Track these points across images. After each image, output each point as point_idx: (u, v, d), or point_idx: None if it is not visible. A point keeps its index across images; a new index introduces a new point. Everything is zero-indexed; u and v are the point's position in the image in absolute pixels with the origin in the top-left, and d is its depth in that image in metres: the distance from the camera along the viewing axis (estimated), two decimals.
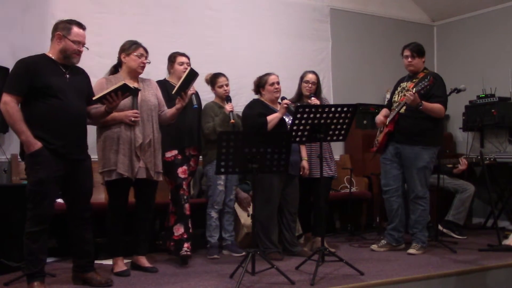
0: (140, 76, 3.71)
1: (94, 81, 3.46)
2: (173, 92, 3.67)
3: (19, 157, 3.15)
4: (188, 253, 3.87)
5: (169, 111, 3.74)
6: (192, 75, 3.61)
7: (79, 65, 3.31)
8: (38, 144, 3.01)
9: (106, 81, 3.55)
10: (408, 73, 4.47)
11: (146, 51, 3.66)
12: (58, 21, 3.21)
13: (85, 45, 3.23)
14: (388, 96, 4.80)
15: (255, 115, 4.18)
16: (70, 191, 3.24)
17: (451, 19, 6.81)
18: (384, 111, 4.57)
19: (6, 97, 3.02)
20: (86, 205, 3.30)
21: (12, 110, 3.00)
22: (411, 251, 4.23)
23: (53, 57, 3.17)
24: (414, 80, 4.33)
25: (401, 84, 4.47)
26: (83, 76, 3.35)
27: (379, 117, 4.51)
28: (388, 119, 4.36)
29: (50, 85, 3.06)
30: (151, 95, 3.66)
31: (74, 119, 3.14)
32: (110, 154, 3.45)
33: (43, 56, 3.18)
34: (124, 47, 3.64)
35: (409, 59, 4.35)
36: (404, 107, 4.24)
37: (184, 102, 3.68)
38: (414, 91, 4.07)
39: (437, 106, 4.18)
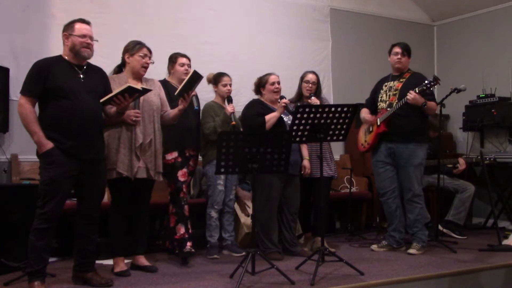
0: (143, 76, 3.70)
1: None
2: (175, 94, 3.67)
3: (36, 155, 3.20)
4: (192, 250, 3.88)
5: (171, 112, 3.74)
6: (196, 77, 3.60)
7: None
8: (49, 145, 3.07)
9: (110, 81, 3.54)
10: (391, 73, 4.49)
11: (150, 51, 3.66)
12: (64, 24, 3.27)
13: (93, 39, 3.26)
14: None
15: (253, 115, 4.18)
16: (82, 190, 3.27)
17: (451, 19, 6.81)
18: (365, 111, 4.55)
19: (21, 99, 3.13)
20: (96, 205, 3.32)
21: (26, 112, 3.09)
22: (411, 251, 4.22)
23: (67, 58, 3.22)
24: (401, 80, 4.35)
25: (386, 83, 4.46)
26: (100, 75, 3.38)
27: (367, 116, 4.46)
28: (381, 119, 4.33)
29: (61, 87, 3.11)
30: (154, 95, 3.66)
31: (86, 120, 3.17)
32: (111, 153, 3.46)
33: (58, 58, 3.24)
34: (128, 47, 3.64)
35: (399, 56, 4.38)
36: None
37: (186, 104, 3.69)
38: (417, 91, 4.10)
39: (433, 104, 4.25)
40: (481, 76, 6.01)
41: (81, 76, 3.22)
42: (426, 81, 4.13)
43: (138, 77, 3.65)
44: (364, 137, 4.54)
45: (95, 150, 3.25)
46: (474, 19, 6.49)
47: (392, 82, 4.42)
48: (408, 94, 4.12)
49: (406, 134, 4.24)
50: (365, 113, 4.55)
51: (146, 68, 3.64)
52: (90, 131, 3.20)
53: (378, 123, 4.35)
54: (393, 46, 4.47)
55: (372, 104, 4.55)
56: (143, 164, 3.52)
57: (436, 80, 4.11)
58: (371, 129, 4.45)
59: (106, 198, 3.87)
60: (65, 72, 3.17)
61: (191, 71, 3.66)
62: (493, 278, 3.76)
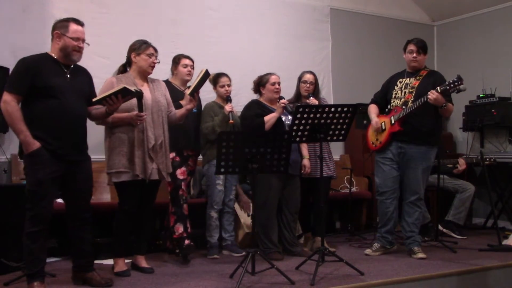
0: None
1: (95, 81, 3.44)
2: (188, 93, 3.67)
3: (18, 156, 3.15)
4: (192, 243, 3.88)
5: (178, 112, 3.73)
6: (207, 76, 3.62)
7: (81, 64, 3.31)
8: (36, 144, 3.00)
9: (117, 80, 3.52)
10: (406, 69, 4.34)
11: (156, 51, 3.65)
12: (56, 21, 3.20)
13: (85, 41, 3.21)
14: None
15: (252, 116, 4.18)
16: (69, 192, 3.24)
17: (451, 19, 6.81)
18: (375, 108, 4.42)
19: (6, 96, 3.01)
20: (85, 206, 3.29)
21: (12, 110, 2.99)
22: (420, 255, 4.07)
23: (55, 57, 3.15)
24: (418, 78, 4.21)
25: (401, 79, 4.31)
26: (85, 75, 3.33)
27: (376, 120, 4.30)
28: (395, 118, 4.16)
29: (50, 86, 3.05)
30: (161, 96, 3.65)
31: (73, 120, 3.13)
32: (119, 156, 3.44)
33: (45, 55, 3.16)
34: (134, 47, 3.63)
35: (414, 55, 4.22)
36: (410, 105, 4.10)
37: (195, 103, 3.69)
38: (440, 90, 3.91)
39: (451, 106, 4.10)
40: (481, 76, 6.00)
41: (68, 76, 3.16)
42: (450, 81, 3.94)
43: (145, 76, 3.64)
44: (375, 136, 4.35)
45: (79, 151, 3.21)
46: (474, 19, 6.49)
47: (408, 79, 4.26)
48: (430, 93, 3.92)
49: (420, 135, 4.11)
50: (373, 110, 4.41)
51: (153, 67, 3.63)
52: (76, 132, 3.16)
53: (393, 122, 4.19)
54: (408, 42, 4.30)
55: (382, 99, 4.41)
56: (155, 166, 3.52)
57: (460, 80, 3.90)
58: (383, 128, 4.27)
59: (109, 198, 3.87)
60: (53, 71, 3.10)
61: (204, 69, 3.64)
62: (494, 277, 3.76)
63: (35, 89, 3.03)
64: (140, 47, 3.60)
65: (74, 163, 3.16)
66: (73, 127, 3.13)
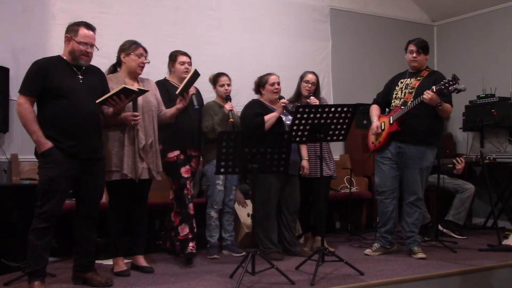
0: (140, 76, 3.71)
1: None
2: (176, 92, 3.68)
3: (34, 155, 3.21)
4: (194, 251, 3.88)
5: (169, 111, 3.75)
6: (196, 75, 3.62)
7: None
8: (48, 144, 3.08)
9: (108, 80, 3.53)
10: (408, 70, 4.35)
11: (146, 51, 3.67)
12: (69, 24, 3.26)
13: (94, 46, 3.25)
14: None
15: (252, 115, 4.18)
16: (81, 190, 3.28)
17: (451, 19, 6.81)
18: (377, 110, 4.43)
19: (20, 99, 3.13)
20: (95, 205, 3.33)
21: (25, 111, 3.09)
22: (420, 255, 4.07)
23: (66, 59, 3.23)
24: (418, 78, 4.21)
25: (402, 80, 4.31)
26: (98, 75, 3.39)
27: (376, 123, 4.29)
28: (394, 118, 4.17)
29: (61, 87, 3.12)
30: (151, 95, 3.66)
31: (85, 120, 3.18)
32: (111, 155, 3.45)
33: (58, 58, 3.24)
34: (124, 47, 3.64)
35: (414, 55, 4.22)
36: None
37: (186, 102, 3.70)
38: (435, 90, 3.92)
39: (449, 106, 4.09)
40: (481, 76, 6.01)
41: (80, 77, 3.22)
42: (444, 80, 3.96)
43: (135, 76, 3.66)
44: (374, 136, 4.35)
45: (93, 149, 3.25)
46: (474, 19, 6.49)
47: (408, 79, 4.27)
48: (425, 93, 3.93)
49: (418, 135, 4.10)
50: (375, 112, 4.41)
51: (142, 67, 3.65)
52: (88, 131, 3.21)
53: (391, 122, 4.19)
54: (409, 43, 4.30)
55: (384, 99, 4.42)
56: (146, 165, 3.53)
57: (455, 80, 3.88)
58: (383, 128, 4.27)
59: (105, 198, 3.88)
60: (64, 72, 3.17)
61: (192, 69, 3.66)
62: (494, 277, 3.76)
63: (47, 90, 3.11)
64: (129, 47, 3.62)
65: (88, 161, 3.21)
66: (84, 127, 3.18)
